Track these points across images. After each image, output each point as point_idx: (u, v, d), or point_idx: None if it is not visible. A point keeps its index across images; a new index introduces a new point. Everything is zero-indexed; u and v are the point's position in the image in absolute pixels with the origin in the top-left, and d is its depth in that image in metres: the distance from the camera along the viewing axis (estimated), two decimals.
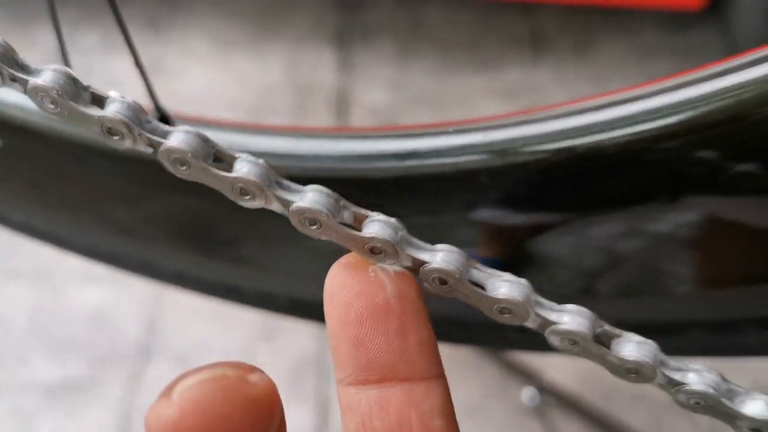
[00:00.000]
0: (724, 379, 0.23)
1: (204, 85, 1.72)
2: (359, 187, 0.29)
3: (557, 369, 1.29)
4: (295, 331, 1.39)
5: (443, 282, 0.23)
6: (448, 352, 1.12)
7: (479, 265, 0.23)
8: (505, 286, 0.23)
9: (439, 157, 0.28)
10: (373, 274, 0.24)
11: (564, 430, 1.24)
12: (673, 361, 0.22)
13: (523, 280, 0.23)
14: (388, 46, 1.80)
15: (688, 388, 0.23)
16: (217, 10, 1.87)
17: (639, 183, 0.24)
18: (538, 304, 0.23)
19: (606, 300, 0.28)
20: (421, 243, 0.23)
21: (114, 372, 1.34)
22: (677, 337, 0.28)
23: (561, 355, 0.24)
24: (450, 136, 0.28)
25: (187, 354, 1.36)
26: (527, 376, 1.24)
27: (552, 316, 0.23)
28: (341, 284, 0.24)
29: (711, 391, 0.22)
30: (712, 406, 0.23)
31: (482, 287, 0.23)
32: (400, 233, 0.23)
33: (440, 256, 0.23)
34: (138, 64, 0.34)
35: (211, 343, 1.38)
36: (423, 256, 0.23)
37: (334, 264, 0.24)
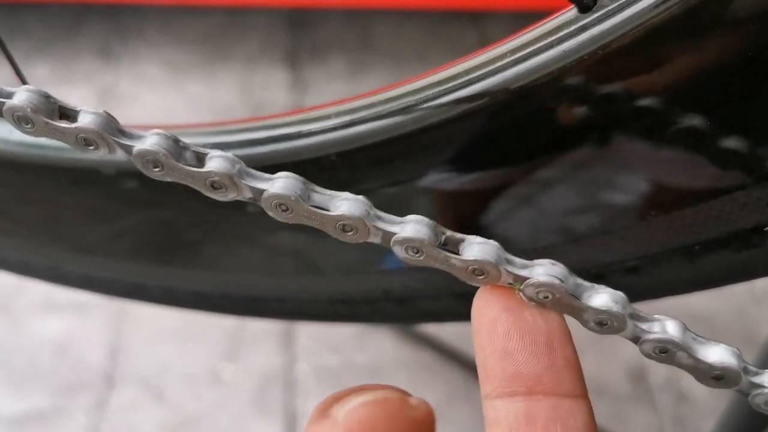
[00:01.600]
0: (571, 273, 0.24)
1: (158, 109, 1.73)
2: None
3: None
4: (259, 348, 1.39)
5: (285, 209, 0.24)
6: (414, 357, 1.15)
7: (319, 189, 0.24)
8: (345, 205, 0.24)
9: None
10: (516, 295, 0.25)
11: None
12: (519, 260, 0.24)
13: (361, 197, 0.24)
14: (339, 61, 1.83)
15: (533, 280, 0.23)
16: (167, 35, 1.88)
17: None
18: (379, 218, 0.24)
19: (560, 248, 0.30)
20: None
21: (78, 400, 1.33)
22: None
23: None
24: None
25: (151, 378, 1.36)
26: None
27: (394, 228, 0.24)
28: (488, 301, 0.25)
29: (557, 281, 0.23)
30: (559, 299, 0.24)
31: (325, 209, 0.24)
32: (237, 166, 0.24)
33: (279, 184, 0.24)
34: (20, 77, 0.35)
35: (176, 366, 1.38)
36: (260, 185, 0.24)
37: (480, 288, 0.25)
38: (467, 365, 1.32)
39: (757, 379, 0.24)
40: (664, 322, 0.24)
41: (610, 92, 0.23)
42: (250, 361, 1.38)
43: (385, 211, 0.24)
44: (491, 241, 0.24)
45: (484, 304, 0.25)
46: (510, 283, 0.24)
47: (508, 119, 0.26)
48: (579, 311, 0.24)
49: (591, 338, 1.28)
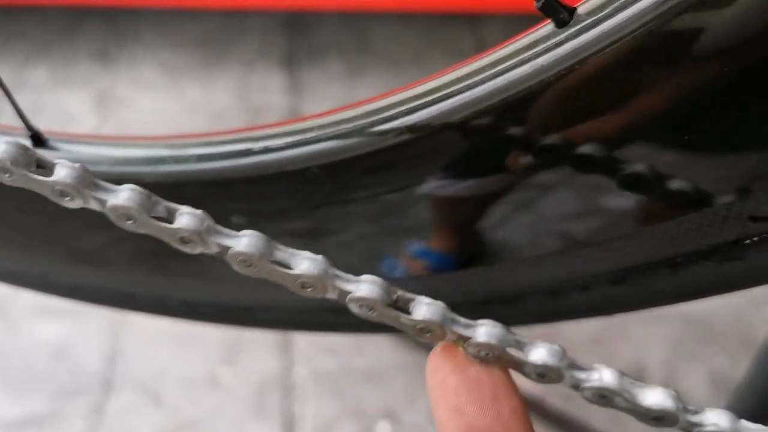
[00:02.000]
0: (510, 331, 0.26)
1: (155, 113, 1.73)
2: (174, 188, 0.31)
3: (514, 374, 1.32)
4: (257, 352, 1.40)
5: (248, 264, 0.25)
6: (412, 360, 1.15)
7: (282, 247, 0.25)
8: (305, 263, 0.25)
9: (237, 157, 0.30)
10: (462, 354, 0.27)
11: None
12: (463, 319, 0.25)
13: (318, 256, 0.25)
14: (337, 65, 1.83)
15: (474, 341, 0.25)
16: (164, 38, 1.88)
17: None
18: (336, 276, 0.25)
19: (451, 278, 0.30)
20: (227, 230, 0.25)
21: (75, 405, 1.33)
22: (515, 308, 0.31)
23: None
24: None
25: (148, 383, 1.36)
26: None
27: (349, 287, 0.25)
28: (438, 363, 0.27)
29: (496, 342, 0.25)
30: (499, 356, 0.25)
31: (287, 266, 0.25)
32: (206, 223, 0.25)
33: (245, 240, 0.25)
34: (2, 85, 0.35)
35: (173, 371, 1.38)
36: (227, 241, 0.25)
37: (432, 351, 0.27)
38: None
39: (695, 418, 0.24)
40: (602, 370, 0.25)
41: (587, 110, 0.23)
42: (248, 365, 1.38)
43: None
44: (438, 302, 0.25)
45: (435, 366, 0.27)
46: (453, 341, 0.25)
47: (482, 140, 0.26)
48: (520, 365, 0.25)
49: (590, 340, 1.29)
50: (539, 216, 0.27)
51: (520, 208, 0.28)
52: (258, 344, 1.40)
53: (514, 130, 0.24)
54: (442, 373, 0.27)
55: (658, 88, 0.22)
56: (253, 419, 1.34)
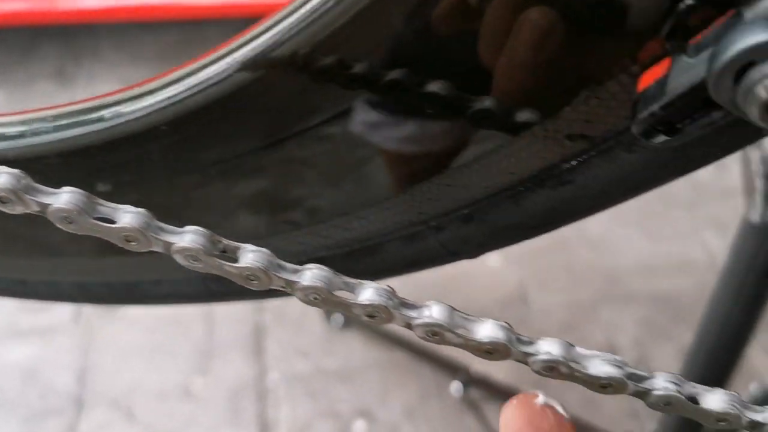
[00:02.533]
0: (337, 275, 0.25)
1: None
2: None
3: (483, 361, 1.32)
4: (229, 359, 1.39)
5: (69, 221, 0.24)
6: (384, 358, 1.14)
7: (105, 202, 0.25)
8: (127, 217, 0.25)
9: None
10: (538, 405, 0.27)
11: (498, 422, 1.26)
12: (290, 265, 0.24)
13: (141, 210, 0.25)
14: None
15: (301, 285, 0.25)
16: (123, 54, 1.88)
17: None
18: (160, 229, 0.25)
19: (306, 228, 0.30)
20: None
21: (47, 427, 1.32)
22: (376, 255, 0.30)
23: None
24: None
25: (120, 398, 1.34)
26: (455, 370, 1.26)
27: (173, 238, 0.25)
28: (513, 414, 0.28)
29: (322, 285, 0.24)
30: (326, 299, 0.25)
31: (110, 221, 0.25)
32: (23, 181, 0.24)
33: (65, 197, 0.24)
34: None
35: (145, 384, 1.36)
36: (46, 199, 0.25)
37: (506, 403, 0.28)
38: (438, 363, 1.32)
39: (529, 348, 0.24)
40: (432, 307, 0.24)
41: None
42: (221, 373, 1.37)
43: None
44: (263, 249, 0.24)
45: (510, 417, 0.28)
46: (282, 287, 0.24)
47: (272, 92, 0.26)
48: (348, 307, 0.25)
49: (561, 325, 1.28)
50: (374, 159, 0.27)
51: (357, 152, 0.27)
52: (229, 351, 1.39)
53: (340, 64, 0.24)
54: (516, 425, 0.27)
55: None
56: (228, 427, 1.32)
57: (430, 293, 1.51)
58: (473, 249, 0.29)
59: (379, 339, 1.37)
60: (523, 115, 0.23)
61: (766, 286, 0.55)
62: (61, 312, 1.46)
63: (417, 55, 0.24)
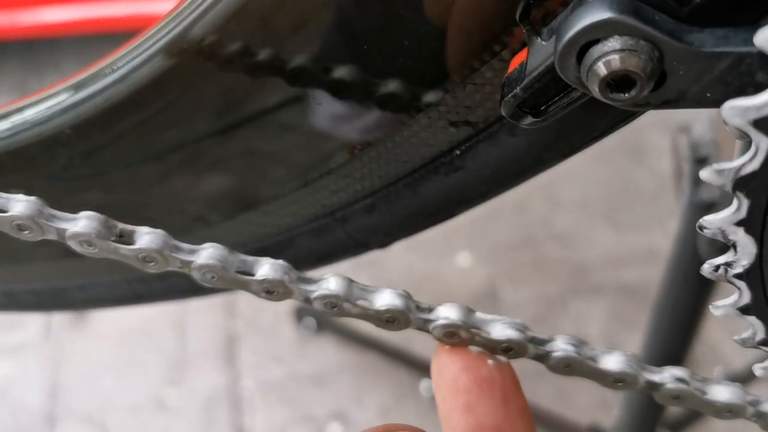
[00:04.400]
0: (233, 253, 0.25)
1: None
2: None
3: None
4: (202, 369, 1.38)
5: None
6: (358, 360, 1.14)
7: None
8: (18, 205, 0.25)
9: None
10: (473, 352, 0.26)
11: None
12: (186, 245, 0.24)
13: (32, 198, 0.25)
14: None
15: (197, 264, 0.25)
16: (83, 66, 1.87)
17: None
18: (53, 216, 0.25)
19: (218, 225, 0.30)
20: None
21: None
22: (289, 250, 0.31)
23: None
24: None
25: (93, 414, 1.33)
26: (424, 369, 1.26)
27: (65, 225, 0.25)
28: (447, 361, 0.26)
29: (218, 263, 0.24)
30: (223, 276, 0.25)
31: (2, 210, 0.25)
32: None
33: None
34: None
35: (117, 398, 1.36)
36: None
37: (437, 346, 0.27)
38: (411, 363, 1.32)
39: (428, 315, 0.24)
40: (329, 279, 0.24)
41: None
42: (194, 383, 1.37)
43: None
44: (158, 231, 0.24)
45: (444, 364, 0.27)
46: (179, 267, 0.25)
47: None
48: (246, 284, 0.25)
49: (533, 319, 1.28)
50: (277, 152, 0.27)
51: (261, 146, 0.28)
52: (202, 360, 1.39)
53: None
54: (451, 371, 0.26)
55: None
56: None
57: None
58: (381, 239, 0.30)
59: (352, 342, 1.37)
60: (423, 101, 0.23)
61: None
62: (31, 329, 1.45)
63: (322, 42, 0.24)
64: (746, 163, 0.16)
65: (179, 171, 0.29)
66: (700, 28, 0.18)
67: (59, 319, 1.46)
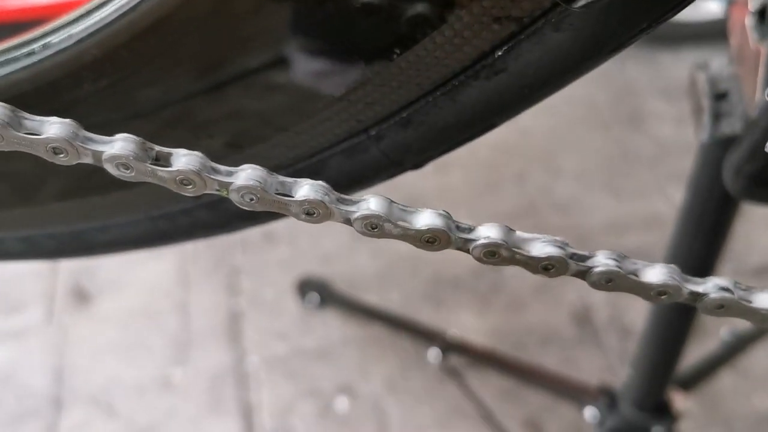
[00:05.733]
0: (272, 174, 0.25)
1: None
2: None
3: (459, 326, 1.33)
4: (207, 347, 1.38)
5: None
6: (362, 333, 1.14)
7: (30, 116, 0.24)
8: (54, 128, 0.24)
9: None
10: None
11: (480, 387, 1.26)
12: (224, 167, 0.24)
13: (67, 120, 0.24)
14: None
15: (236, 185, 0.24)
16: None
17: None
18: (88, 139, 0.24)
19: (248, 150, 0.29)
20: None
21: (27, 428, 1.30)
22: (322, 173, 0.30)
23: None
24: None
25: (99, 396, 1.33)
26: (432, 338, 1.26)
27: (102, 147, 0.24)
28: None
29: (256, 183, 0.24)
30: (262, 198, 0.24)
31: (36, 134, 0.25)
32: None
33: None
34: None
35: (123, 379, 1.35)
36: None
37: None
38: (416, 332, 1.32)
39: (469, 235, 0.24)
40: (370, 199, 0.24)
41: None
42: (199, 362, 1.36)
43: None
44: (195, 152, 0.24)
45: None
46: (217, 190, 0.24)
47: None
48: (287, 206, 0.24)
49: (535, 289, 1.29)
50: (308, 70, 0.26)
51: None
52: (207, 339, 1.38)
53: None
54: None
55: None
56: (210, 415, 1.32)
57: (402, 268, 1.51)
58: (415, 156, 0.29)
59: (355, 315, 1.37)
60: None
61: (728, 200, 0.55)
62: (33, 313, 1.44)
63: None
64: None
65: (209, 93, 0.28)
66: None
67: (61, 302, 1.46)
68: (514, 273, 1.46)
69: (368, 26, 0.24)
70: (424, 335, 1.29)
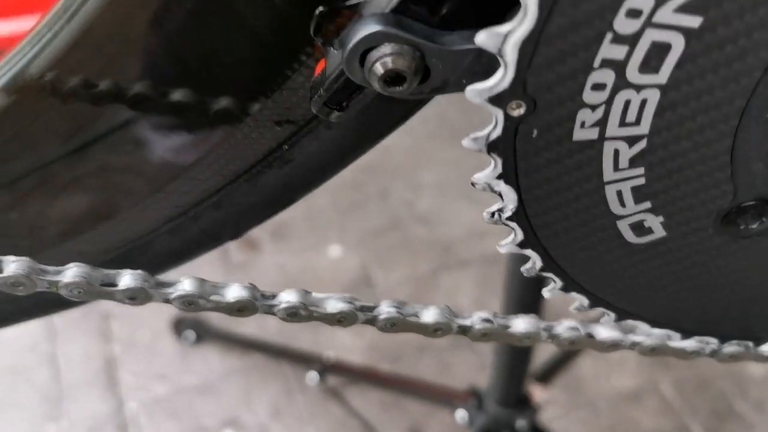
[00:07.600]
0: (96, 269, 0.28)
1: None
2: None
3: (340, 346, 1.37)
4: (82, 398, 1.34)
5: None
6: (242, 364, 1.15)
7: None
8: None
9: None
10: None
11: (360, 403, 1.31)
12: (51, 267, 0.27)
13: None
14: None
15: (64, 282, 0.27)
16: None
17: None
18: None
19: (79, 237, 0.33)
20: None
21: None
22: (149, 251, 0.34)
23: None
24: None
25: None
26: (310, 362, 1.30)
27: None
28: None
29: (82, 279, 0.27)
30: (88, 290, 0.27)
31: None
32: None
33: None
34: None
35: None
36: None
37: None
38: (295, 358, 1.35)
39: (273, 301, 0.28)
40: (184, 281, 0.28)
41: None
42: (75, 415, 1.32)
43: None
44: (24, 258, 0.26)
45: None
46: (47, 288, 0.26)
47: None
48: (110, 295, 0.27)
49: (408, 298, 1.33)
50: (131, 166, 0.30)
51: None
52: (81, 390, 1.34)
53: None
54: None
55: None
56: None
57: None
58: (230, 230, 0.33)
59: (234, 347, 1.38)
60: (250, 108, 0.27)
61: None
62: None
63: (156, 67, 0.28)
64: (491, 131, 0.22)
65: (33, 194, 0.31)
66: (450, 31, 0.23)
67: None
68: (385, 287, 1.53)
69: (179, 129, 0.28)
70: (302, 359, 1.32)
